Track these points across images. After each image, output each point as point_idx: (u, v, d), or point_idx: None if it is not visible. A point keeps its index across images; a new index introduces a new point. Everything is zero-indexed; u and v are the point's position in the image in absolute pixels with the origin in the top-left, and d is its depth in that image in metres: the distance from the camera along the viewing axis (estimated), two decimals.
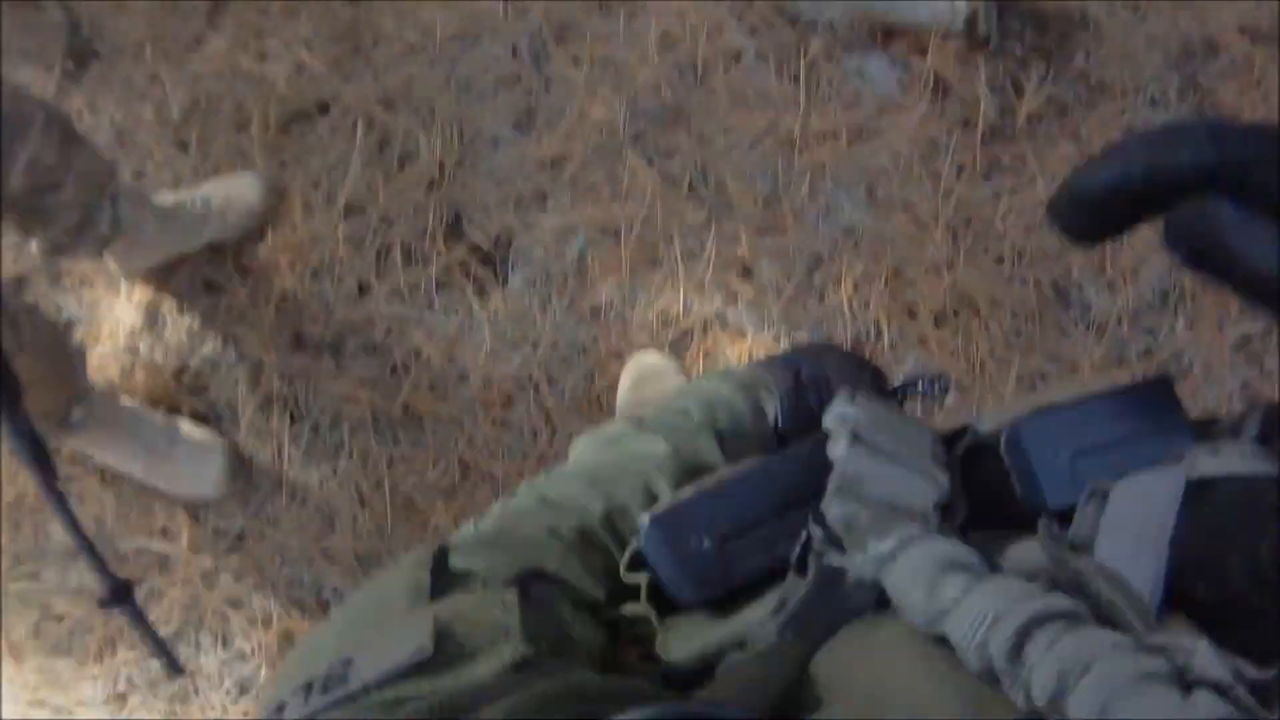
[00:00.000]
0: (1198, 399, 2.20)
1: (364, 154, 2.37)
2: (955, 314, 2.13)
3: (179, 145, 2.55)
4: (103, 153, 2.07)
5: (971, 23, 2.34)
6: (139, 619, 1.45)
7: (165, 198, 2.25)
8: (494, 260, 2.21)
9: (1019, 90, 2.38)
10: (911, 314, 2.13)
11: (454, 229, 2.26)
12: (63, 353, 1.97)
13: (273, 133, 2.47)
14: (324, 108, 2.50)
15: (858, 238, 2.17)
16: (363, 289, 2.23)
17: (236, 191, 2.25)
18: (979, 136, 2.28)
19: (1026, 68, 2.43)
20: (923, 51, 2.39)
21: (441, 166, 2.32)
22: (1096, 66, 2.45)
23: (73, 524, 1.39)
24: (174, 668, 1.55)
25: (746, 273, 2.14)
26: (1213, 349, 2.20)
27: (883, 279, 2.13)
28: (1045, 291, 2.16)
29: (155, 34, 2.73)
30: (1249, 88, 2.46)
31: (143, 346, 2.33)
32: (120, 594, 1.43)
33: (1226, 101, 2.44)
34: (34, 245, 1.98)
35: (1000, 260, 2.17)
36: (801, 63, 2.36)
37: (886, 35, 2.43)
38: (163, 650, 1.50)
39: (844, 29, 2.39)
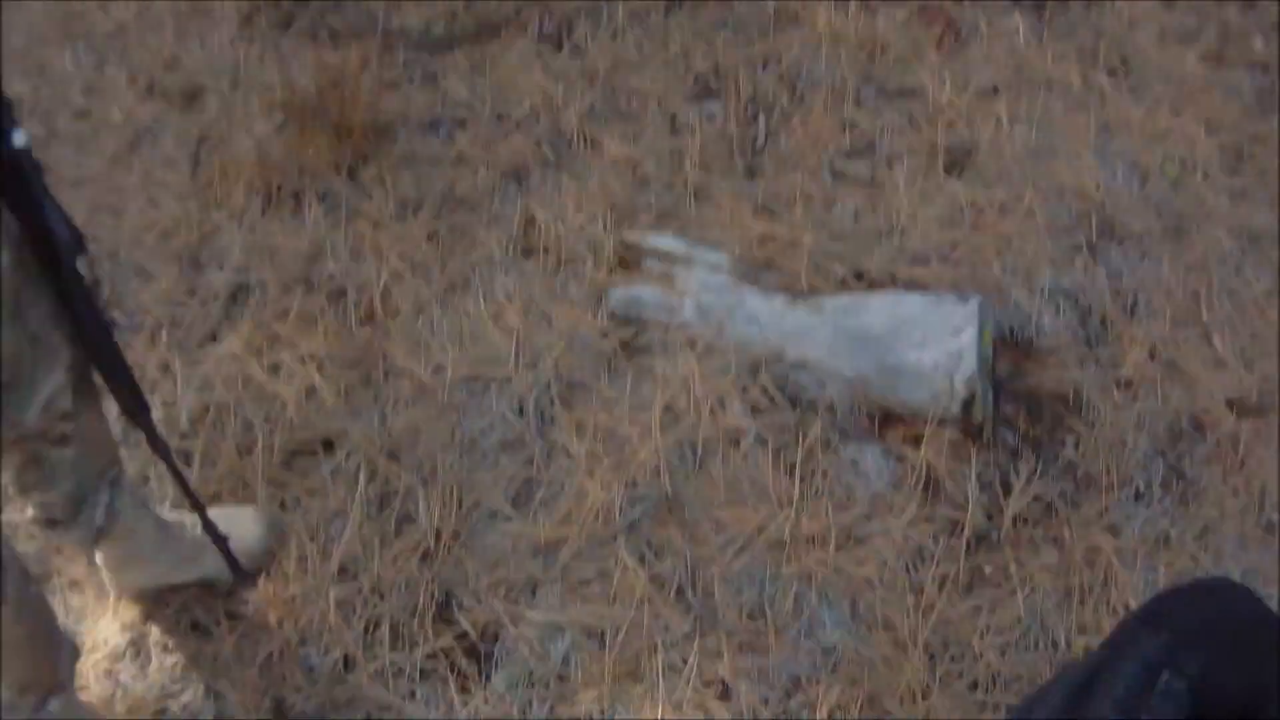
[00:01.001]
0: None
1: (364, 507, 2.49)
2: None
3: (183, 457, 2.67)
4: (110, 430, 2.16)
5: (968, 406, 2.44)
6: None
7: (166, 512, 2.37)
8: (479, 653, 2.33)
9: (1007, 489, 2.51)
10: None
11: (443, 611, 2.38)
12: (46, 625, 2.03)
13: (276, 464, 2.58)
14: (329, 445, 2.64)
15: (837, 659, 2.28)
16: (348, 664, 2.35)
17: (237, 529, 2.36)
18: (965, 544, 2.39)
19: (1017, 460, 2.56)
20: (917, 440, 2.52)
21: (438, 536, 2.45)
22: (1085, 457, 2.58)
23: None
24: None
25: (725, 693, 2.25)
26: None
27: (858, 706, 2.22)
28: None
29: (173, 317, 2.87)
30: (1233, 471, 2.58)
31: (124, 675, 2.44)
32: None
33: (1210, 489, 2.56)
34: (29, 511, 2.05)
35: (975, 685, 2.27)
36: (799, 450, 2.48)
37: (884, 421, 2.54)
38: None
39: (844, 412, 2.51)
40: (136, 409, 1.97)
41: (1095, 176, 3.04)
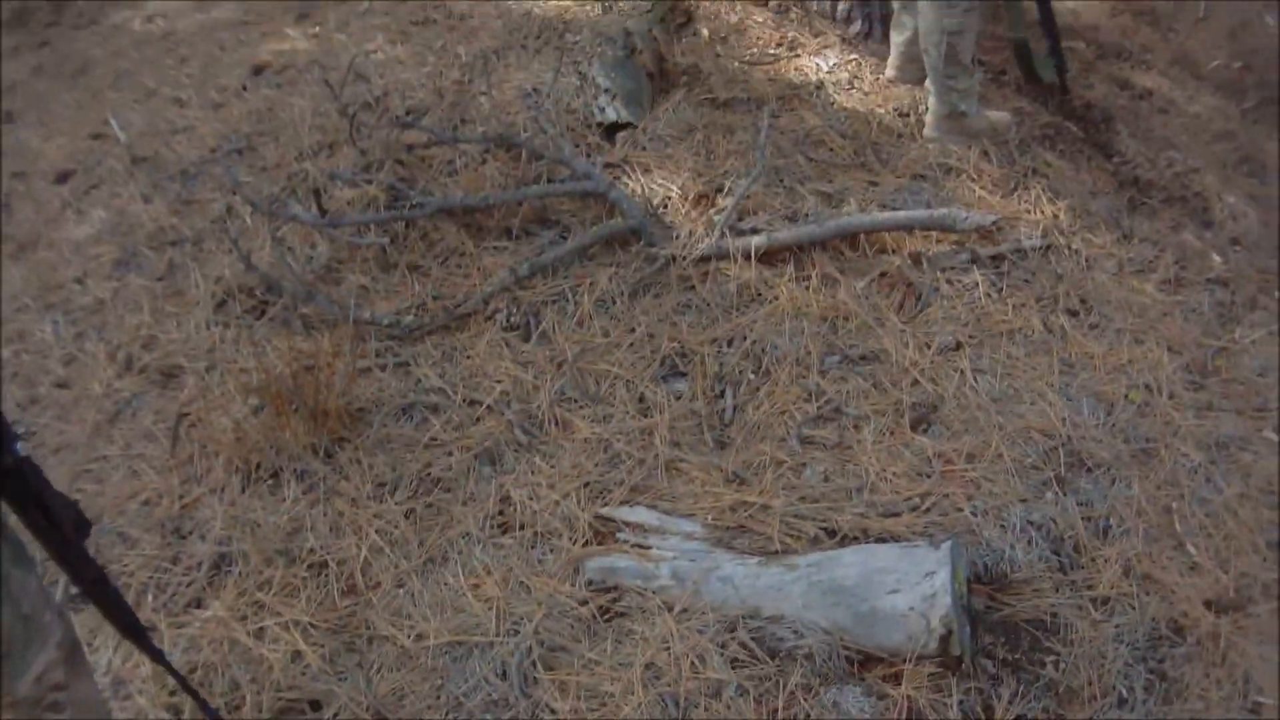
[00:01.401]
0: None
1: None
2: None
3: (173, 712, 2.79)
4: (103, 695, 2.27)
5: (945, 641, 2.64)
6: None
7: None
8: None
9: (990, 712, 2.69)
10: None
11: None
12: None
13: None
14: (316, 705, 2.82)
15: None
16: None
17: None
18: None
19: (998, 685, 2.74)
20: (898, 677, 2.72)
21: None
22: (1065, 674, 2.76)
23: None
24: None
25: None
26: None
27: None
28: None
29: (157, 582, 3.03)
30: (1214, 666, 2.78)
31: None
32: None
33: (1192, 685, 2.75)
34: None
35: None
36: (780, 697, 2.68)
37: (863, 663, 2.75)
38: None
39: (822, 659, 2.71)
40: (131, 633, 2.16)
41: (1061, 413, 3.29)
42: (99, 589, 2.08)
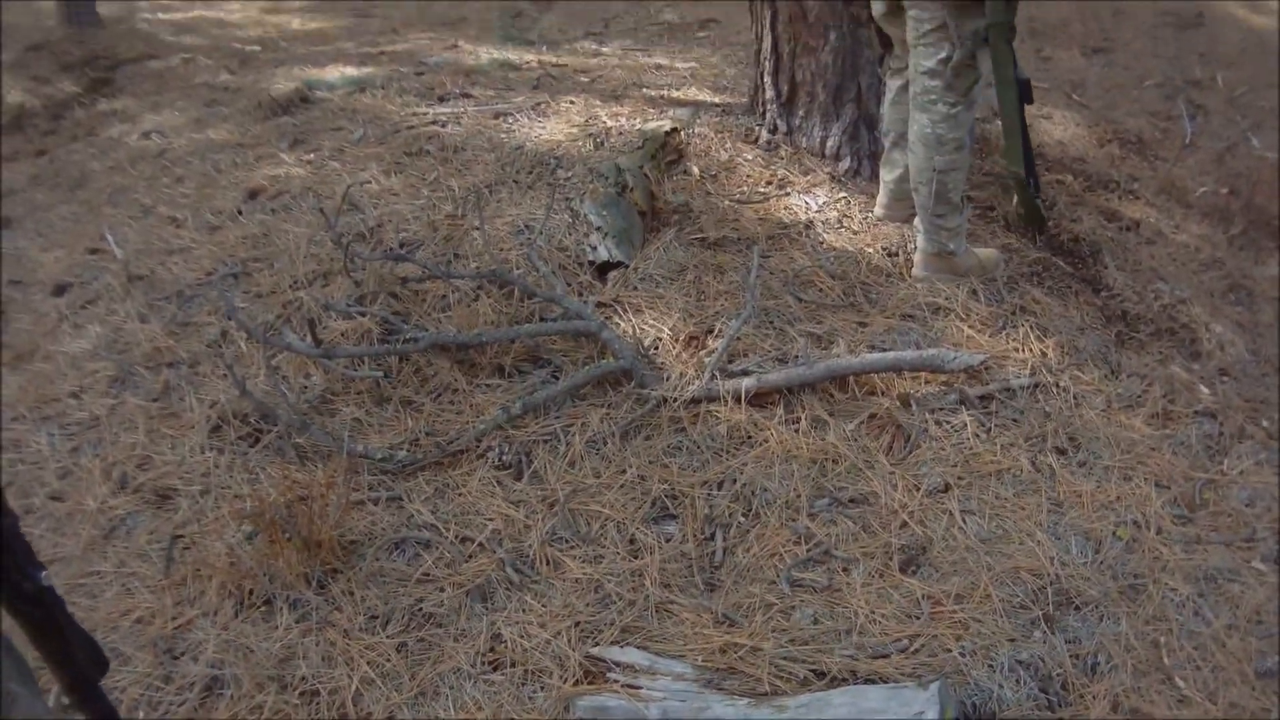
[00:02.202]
0: None
1: None
2: None
3: None
4: None
5: None
6: None
7: None
8: None
9: None
10: None
11: None
12: None
13: None
14: None
15: None
16: None
17: None
18: None
19: None
20: None
21: None
22: None
23: None
24: None
25: None
26: None
27: None
28: None
29: (149, 699, 3.32)
30: None
31: None
32: None
33: None
34: None
35: None
36: None
37: None
38: None
39: None
40: None
41: (1049, 552, 3.48)
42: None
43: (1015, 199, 5.06)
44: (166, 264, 5.12)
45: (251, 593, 3.54)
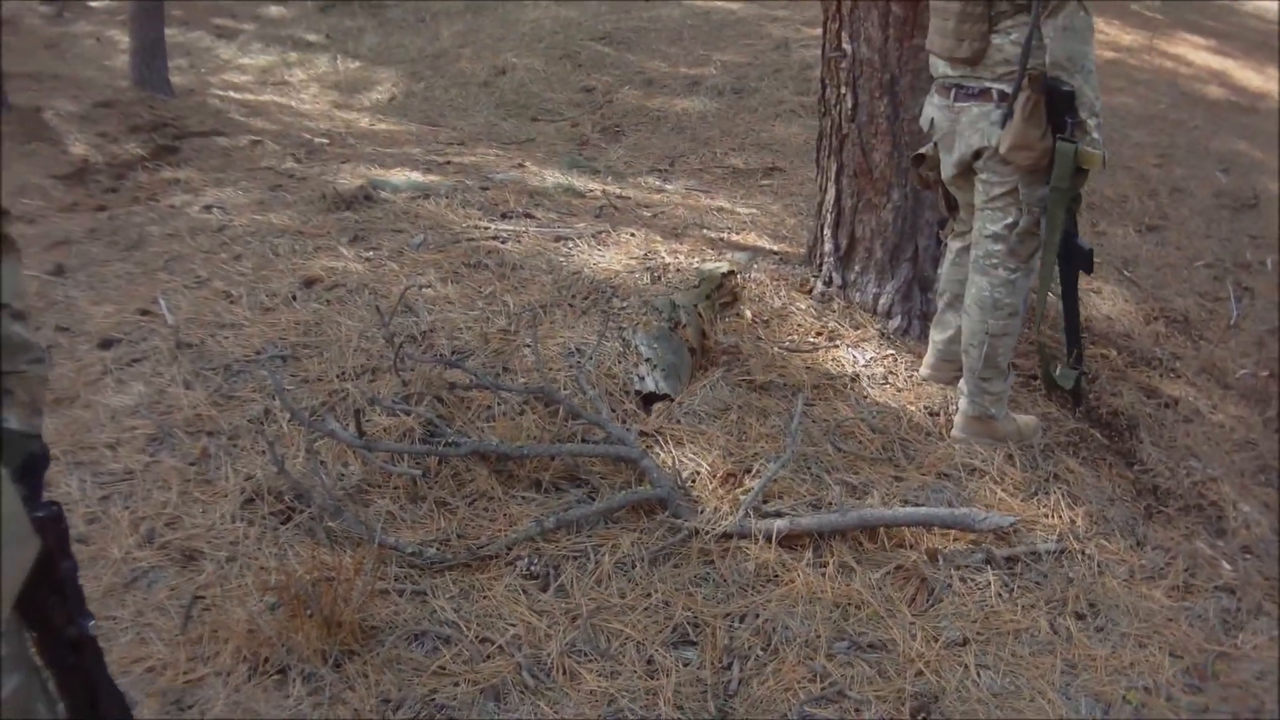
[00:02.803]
0: None
1: None
2: None
3: None
4: None
5: None
6: None
7: None
8: None
9: None
10: None
11: None
12: None
13: None
14: None
15: None
16: None
17: None
18: None
19: None
20: None
21: None
22: None
23: None
24: None
25: None
26: None
27: None
28: None
29: None
30: None
31: None
32: None
33: None
34: None
35: None
36: None
37: None
38: None
39: None
40: None
41: (1058, 711, 3.57)
42: None
43: (1051, 368, 5.20)
44: (216, 336, 5.31)
45: (267, 660, 3.67)
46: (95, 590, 3.96)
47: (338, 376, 4.90)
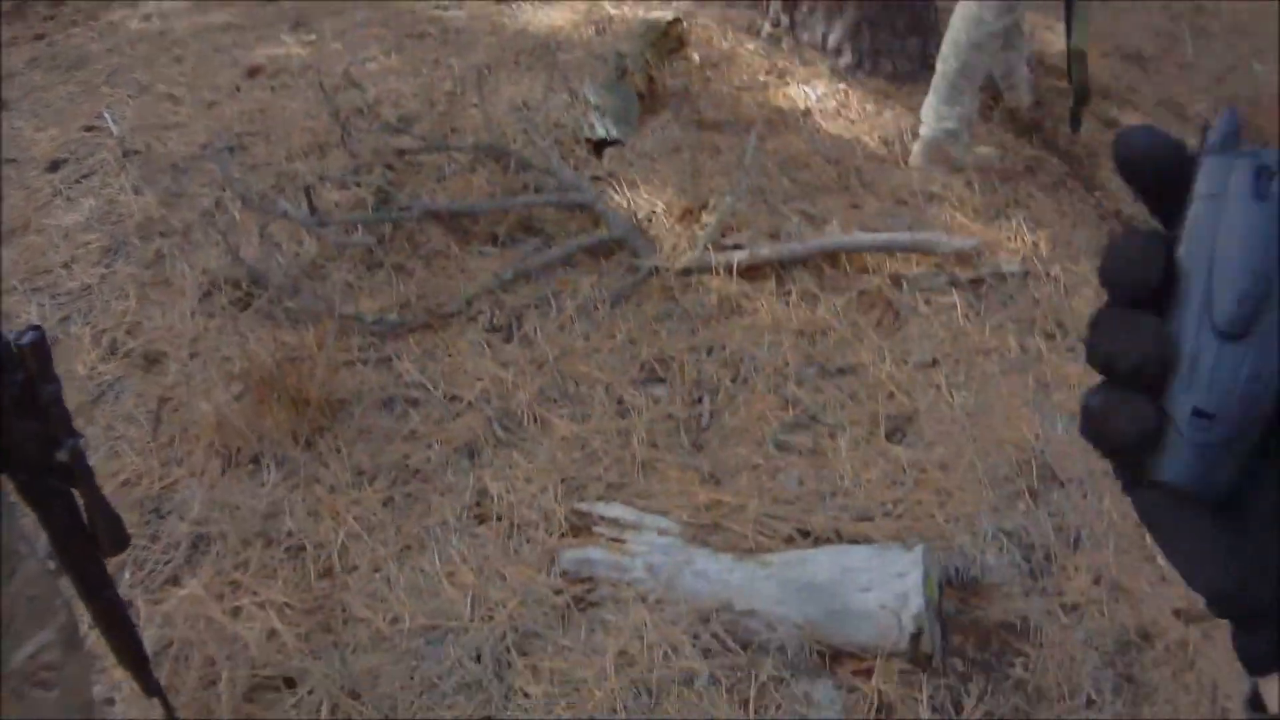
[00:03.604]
0: None
1: None
2: None
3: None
4: (91, 686, 2.30)
5: (916, 640, 2.68)
6: None
7: None
8: None
9: (959, 708, 2.74)
10: None
11: None
12: None
13: (239, 697, 2.73)
14: (291, 683, 2.81)
15: None
16: None
17: None
18: None
19: (967, 683, 2.79)
20: (868, 673, 2.75)
21: None
22: (1034, 674, 2.81)
23: None
24: None
25: None
26: None
27: None
28: None
29: (135, 559, 3.06)
30: (1182, 672, 2.83)
31: None
32: None
33: (1161, 689, 2.80)
34: None
35: None
36: (752, 687, 2.70)
37: (834, 658, 2.78)
38: None
39: (794, 652, 2.73)
40: (134, 659, 2.18)
41: (1034, 429, 3.36)
42: (110, 609, 2.08)
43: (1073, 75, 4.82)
44: (162, 139, 4.95)
45: (239, 451, 3.41)
46: None
47: (286, 158, 4.56)
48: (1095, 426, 0.57)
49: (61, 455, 1.80)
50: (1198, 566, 0.59)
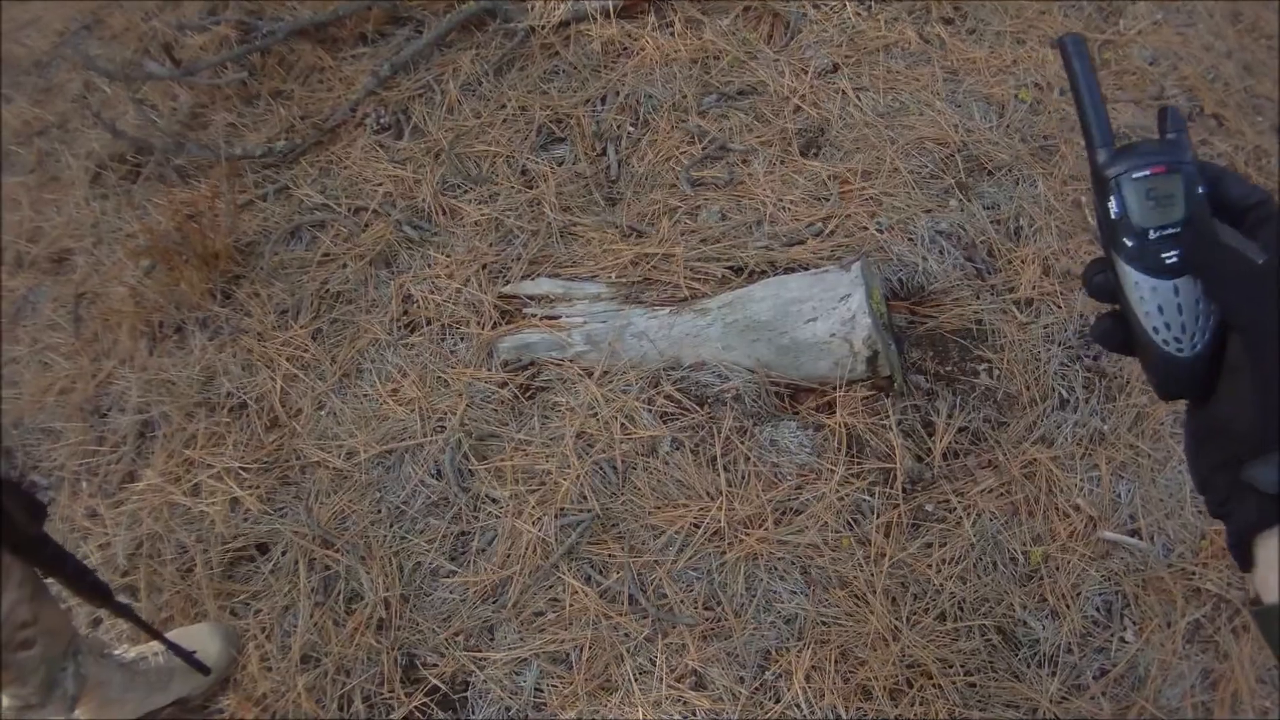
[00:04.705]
0: (1159, 702, 2.17)
1: (310, 596, 2.35)
2: (909, 684, 2.12)
3: (129, 592, 2.53)
4: (62, 611, 2.08)
5: (873, 363, 2.34)
6: None
7: (126, 652, 2.27)
8: (453, 702, 2.21)
9: (930, 429, 2.42)
10: (867, 693, 2.12)
11: (410, 673, 2.26)
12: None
13: (218, 577, 2.44)
14: (263, 548, 2.52)
15: (800, 624, 2.18)
16: None
17: (196, 644, 2.22)
18: (900, 489, 2.29)
19: (934, 400, 2.48)
20: (831, 406, 2.40)
21: (388, 604, 2.32)
22: (1001, 380, 2.50)
23: None
24: None
25: (699, 682, 2.14)
26: (1166, 646, 2.20)
27: (832, 663, 2.11)
28: (992, 638, 2.17)
29: (89, 467, 2.74)
30: None
31: None
32: None
33: (1134, 379, 2.48)
34: (4, 702, 1.99)
35: (943, 617, 2.18)
36: (717, 443, 2.37)
37: (794, 397, 2.44)
38: None
39: (752, 399, 2.40)
40: (97, 598, 1.96)
41: (952, 121, 2.94)
42: (58, 565, 1.85)
43: None
44: (19, 39, 4.40)
45: (161, 325, 3.02)
46: None
47: (143, 19, 4.01)
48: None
49: None
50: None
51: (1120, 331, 0.75)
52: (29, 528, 1.75)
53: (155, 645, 2.21)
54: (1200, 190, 0.73)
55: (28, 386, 3.06)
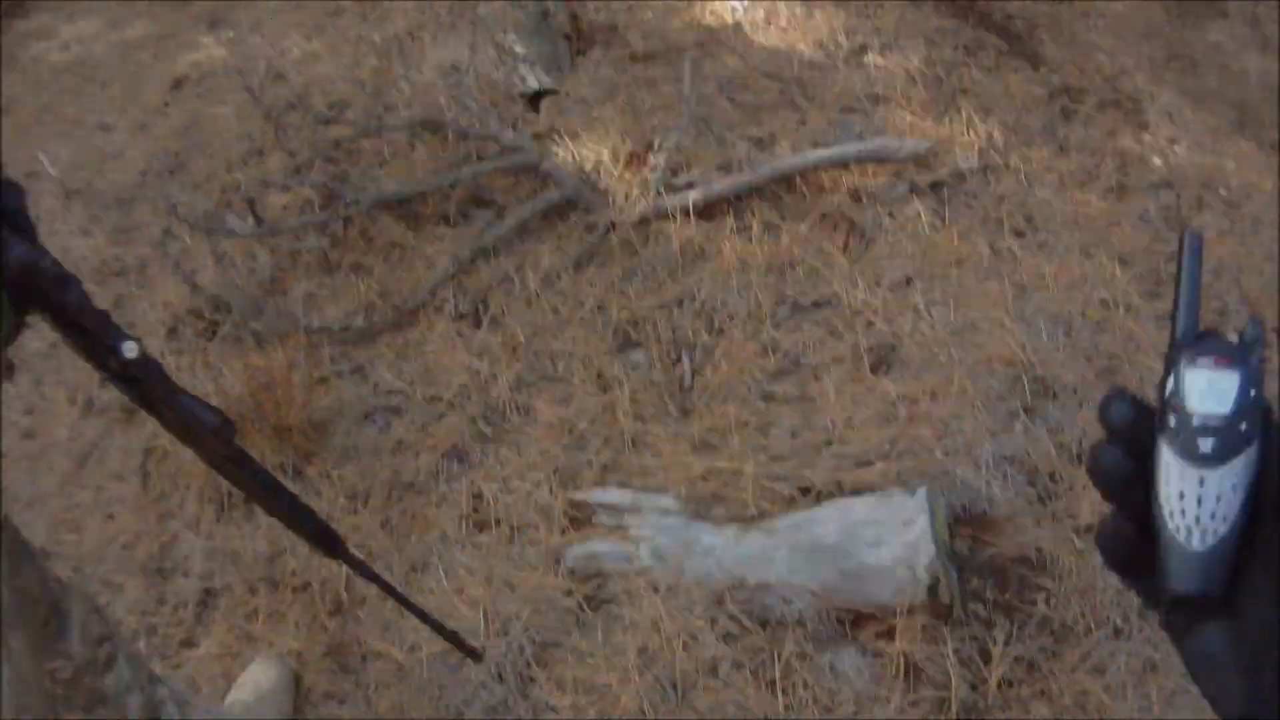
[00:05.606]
0: None
1: None
2: None
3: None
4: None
5: (934, 591, 2.50)
6: None
7: None
8: None
9: (986, 657, 2.58)
10: None
11: None
12: None
13: None
14: None
15: None
16: None
17: None
18: (955, 718, 2.41)
19: (991, 628, 2.63)
20: (891, 633, 2.57)
21: None
22: (1057, 609, 2.65)
23: None
24: None
25: None
26: None
27: None
28: None
29: (148, 625, 2.90)
30: None
31: None
32: None
33: None
34: None
35: None
36: (776, 666, 2.54)
37: (855, 622, 2.60)
38: None
39: (814, 622, 2.55)
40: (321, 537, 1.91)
41: (1020, 339, 3.14)
42: (254, 480, 1.76)
43: None
44: (102, 172, 4.67)
45: (230, 494, 3.20)
46: (53, 482, 3.44)
47: (225, 170, 4.30)
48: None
49: (113, 364, 1.50)
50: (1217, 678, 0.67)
51: (1127, 545, 0.78)
52: (226, 429, 1.65)
53: None
54: (1253, 393, 0.77)
55: (90, 535, 3.25)
